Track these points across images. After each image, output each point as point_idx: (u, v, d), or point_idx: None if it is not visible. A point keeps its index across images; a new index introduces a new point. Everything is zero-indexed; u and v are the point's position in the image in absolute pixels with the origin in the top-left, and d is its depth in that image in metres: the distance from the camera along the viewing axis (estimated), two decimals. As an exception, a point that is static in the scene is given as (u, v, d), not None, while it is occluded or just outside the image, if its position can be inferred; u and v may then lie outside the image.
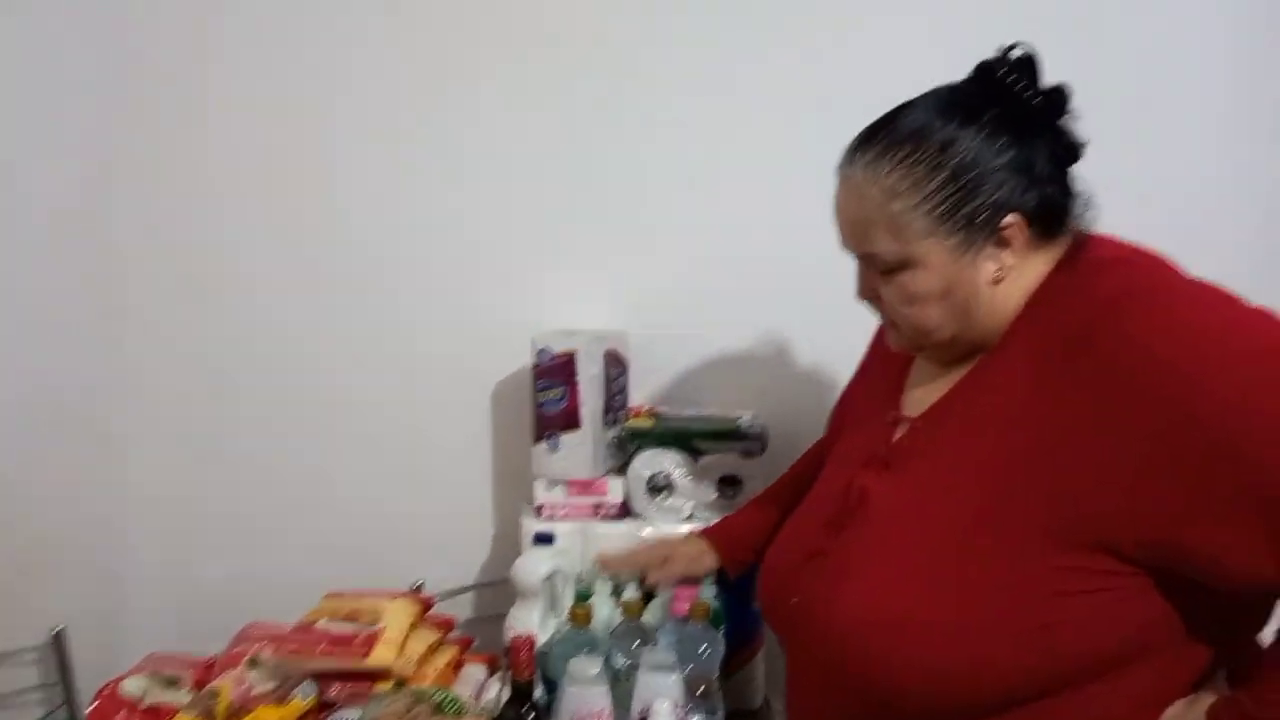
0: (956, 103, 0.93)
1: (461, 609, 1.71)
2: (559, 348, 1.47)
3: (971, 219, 0.91)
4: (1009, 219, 0.91)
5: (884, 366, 1.12)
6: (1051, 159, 0.93)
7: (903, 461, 0.99)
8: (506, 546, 1.66)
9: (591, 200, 1.66)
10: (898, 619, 0.90)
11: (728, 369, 1.66)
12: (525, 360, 1.52)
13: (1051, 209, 0.93)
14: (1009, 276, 0.93)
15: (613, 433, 1.54)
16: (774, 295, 1.63)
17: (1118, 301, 0.86)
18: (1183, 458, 0.79)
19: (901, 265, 0.93)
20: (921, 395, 1.03)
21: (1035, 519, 0.86)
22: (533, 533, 1.41)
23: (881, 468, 1.00)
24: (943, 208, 0.91)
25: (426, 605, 1.38)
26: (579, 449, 1.48)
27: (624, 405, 1.60)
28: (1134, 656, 0.86)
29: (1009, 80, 0.92)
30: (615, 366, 1.57)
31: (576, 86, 1.63)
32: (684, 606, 1.27)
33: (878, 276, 0.96)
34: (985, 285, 0.93)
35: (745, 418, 1.55)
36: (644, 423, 1.54)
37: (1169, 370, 0.80)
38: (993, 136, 0.90)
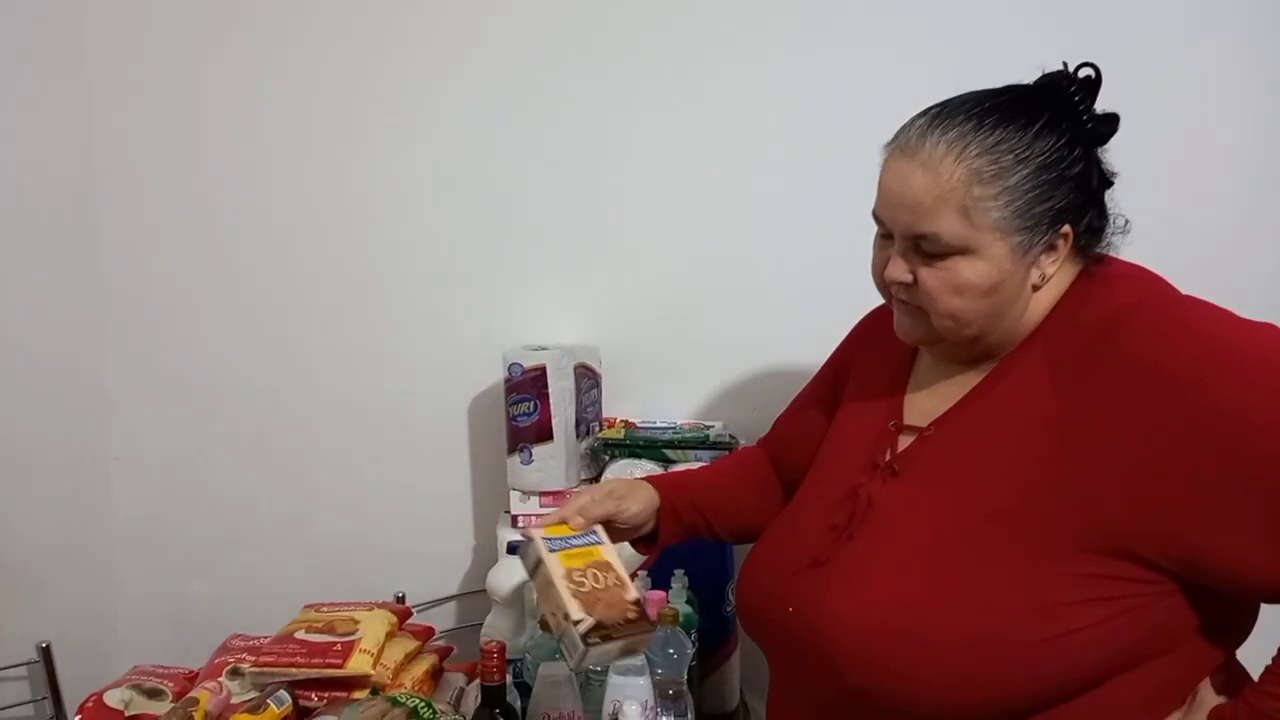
0: (1034, 106, 0.92)
1: (444, 619, 1.75)
2: (529, 363, 1.51)
3: (1039, 221, 0.91)
4: (1065, 228, 0.93)
5: (877, 368, 1.11)
6: (1098, 180, 0.95)
7: (915, 470, 0.98)
8: (486, 557, 1.70)
9: (563, 218, 1.70)
10: (911, 631, 0.88)
11: (698, 380, 1.70)
12: (499, 375, 1.56)
13: (1095, 227, 0.96)
14: (1045, 285, 0.95)
15: (586, 443, 1.58)
16: (741, 308, 1.67)
17: (1135, 309, 0.89)
18: (1198, 462, 0.82)
19: (960, 251, 0.90)
20: (927, 402, 1.03)
21: (1060, 524, 0.87)
22: (506, 542, 1.44)
23: (889, 475, 0.99)
24: (1019, 204, 0.89)
25: (404, 615, 1.41)
26: (552, 460, 1.52)
27: (597, 417, 1.65)
28: (1140, 661, 0.88)
29: (1076, 98, 0.93)
30: (587, 379, 1.61)
31: (548, 105, 1.67)
32: (653, 611, 1.30)
33: (919, 259, 0.93)
34: (1027, 289, 0.94)
35: (715, 427, 1.59)
36: (616, 433, 1.58)
37: (1185, 377, 0.83)
38: (1068, 146, 0.91)
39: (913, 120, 0.95)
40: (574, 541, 1.06)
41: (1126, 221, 0.99)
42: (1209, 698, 0.91)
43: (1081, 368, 0.90)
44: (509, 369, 1.52)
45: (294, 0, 1.67)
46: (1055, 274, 0.95)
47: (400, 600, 1.68)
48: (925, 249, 0.92)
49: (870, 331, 1.18)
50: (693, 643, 1.34)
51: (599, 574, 1.03)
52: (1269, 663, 0.86)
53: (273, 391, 1.75)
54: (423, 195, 1.70)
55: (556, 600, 1.00)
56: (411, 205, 1.71)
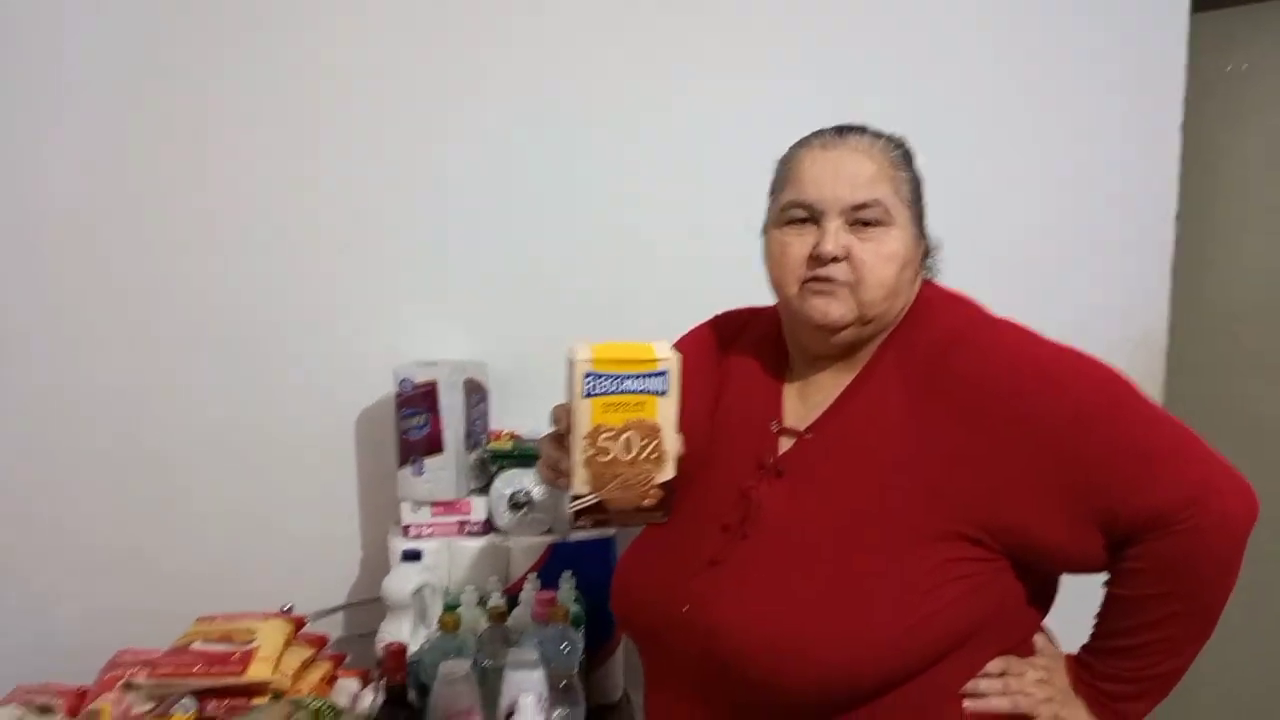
0: None
1: (332, 628, 1.77)
2: (420, 378, 1.57)
3: (921, 217, 1.11)
4: (926, 238, 1.13)
5: (751, 371, 1.21)
6: None
7: (796, 472, 1.07)
8: (374, 567, 1.74)
9: (449, 238, 1.76)
10: (802, 627, 0.98)
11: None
12: (388, 389, 1.62)
13: (929, 247, 1.15)
14: (912, 287, 1.11)
15: (475, 455, 1.65)
16: (621, 326, 1.75)
17: (962, 333, 1.07)
18: (1023, 460, 0.99)
19: (889, 220, 1.05)
20: (799, 406, 1.14)
21: (920, 518, 1.01)
22: (400, 551, 1.50)
23: (774, 477, 1.08)
24: (915, 194, 1.10)
25: (298, 624, 1.45)
26: (442, 472, 1.58)
27: (485, 430, 1.72)
28: (975, 634, 1.03)
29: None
30: (475, 394, 1.68)
31: (432, 121, 1.74)
32: (544, 610, 1.39)
33: (851, 234, 1.05)
34: (910, 279, 1.11)
35: (597, 437, 1.68)
36: (504, 445, 1.66)
37: (1005, 388, 1.01)
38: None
39: (814, 134, 1.12)
40: (627, 385, 0.84)
41: (939, 243, 1.17)
42: (1051, 648, 1.10)
43: (926, 380, 1.06)
44: (400, 384, 1.58)
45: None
46: (912, 283, 1.11)
47: (288, 611, 1.70)
48: (864, 218, 1.06)
49: (733, 334, 1.27)
50: (581, 639, 1.43)
51: (634, 440, 0.84)
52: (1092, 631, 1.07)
53: (155, 403, 1.74)
54: (311, 214, 1.74)
55: (569, 452, 0.84)
56: (299, 223, 1.74)
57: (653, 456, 0.85)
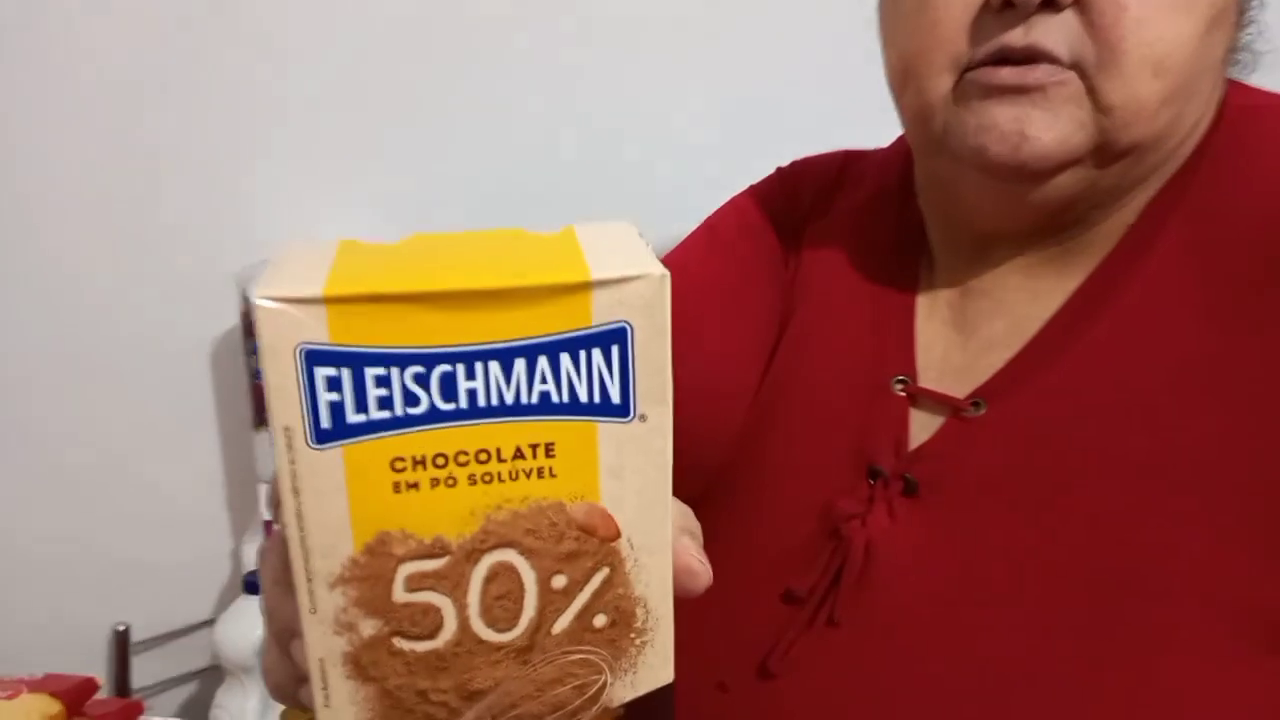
0: None
1: (188, 657, 1.25)
2: (276, 291, 0.99)
3: None
4: None
5: (849, 286, 0.61)
6: None
7: (949, 485, 0.52)
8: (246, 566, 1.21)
9: (340, 84, 1.17)
10: None
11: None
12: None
13: (1244, 9, 0.53)
14: (1216, 84, 0.52)
15: (377, 408, 1.10)
16: (584, 203, 1.20)
17: None
18: None
19: None
20: (955, 348, 0.56)
21: (1239, 591, 0.45)
22: (244, 576, 0.95)
23: (899, 494, 0.54)
24: None
25: (81, 693, 0.91)
26: (320, 438, 1.02)
27: (396, 367, 1.15)
28: None
29: None
30: (378, 313, 1.11)
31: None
32: None
33: None
34: (1220, 61, 0.52)
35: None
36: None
37: None
38: None
39: None
40: (473, 385, 0.22)
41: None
42: None
43: (1265, 294, 0.47)
44: (247, 301, 1.01)
45: None
46: (1217, 77, 0.52)
47: (122, 634, 1.19)
48: None
49: (812, 203, 0.67)
50: None
51: (530, 582, 0.24)
52: None
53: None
54: (118, 47, 1.13)
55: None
56: (108, 67, 1.13)
57: (599, 626, 0.24)
